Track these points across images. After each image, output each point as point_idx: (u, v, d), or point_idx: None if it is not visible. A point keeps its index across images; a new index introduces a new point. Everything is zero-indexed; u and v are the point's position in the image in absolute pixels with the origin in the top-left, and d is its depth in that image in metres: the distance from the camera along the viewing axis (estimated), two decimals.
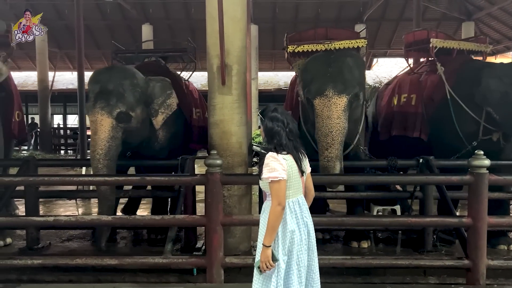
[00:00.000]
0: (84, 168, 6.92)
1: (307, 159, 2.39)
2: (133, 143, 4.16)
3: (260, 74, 15.95)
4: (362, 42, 4.54)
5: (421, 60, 6.00)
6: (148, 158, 4.58)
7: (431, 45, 4.89)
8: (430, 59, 5.26)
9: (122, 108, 3.86)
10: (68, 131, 17.48)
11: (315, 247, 2.41)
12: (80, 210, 6.46)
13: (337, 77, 3.87)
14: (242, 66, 4.14)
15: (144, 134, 4.26)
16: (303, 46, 4.60)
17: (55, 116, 18.88)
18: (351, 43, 4.55)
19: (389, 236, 4.77)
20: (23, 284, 3.27)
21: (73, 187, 5.06)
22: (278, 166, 2.15)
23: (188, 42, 6.00)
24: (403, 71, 5.75)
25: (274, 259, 2.19)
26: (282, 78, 18.33)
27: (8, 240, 4.46)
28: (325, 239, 4.62)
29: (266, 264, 2.16)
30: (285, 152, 2.22)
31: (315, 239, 2.41)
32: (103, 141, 3.72)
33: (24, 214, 4.51)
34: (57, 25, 15.66)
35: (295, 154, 2.26)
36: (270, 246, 2.17)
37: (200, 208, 4.84)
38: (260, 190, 4.19)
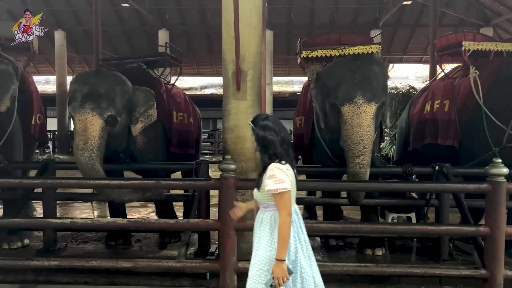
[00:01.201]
0: None
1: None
2: (111, 147, 4.13)
3: (274, 79, 16.00)
4: (376, 48, 4.53)
5: (455, 64, 5.80)
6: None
7: (463, 49, 4.69)
8: (464, 63, 5.01)
9: (112, 112, 3.91)
10: None
11: (313, 255, 2.39)
12: (96, 213, 6.54)
13: (366, 85, 3.81)
14: (257, 72, 4.16)
15: (122, 139, 4.30)
16: (317, 52, 4.60)
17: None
18: (365, 48, 4.53)
19: (404, 244, 4.72)
20: (40, 285, 3.33)
21: (89, 190, 5.17)
22: (285, 177, 2.12)
23: (167, 47, 6.00)
24: (438, 77, 5.61)
25: (290, 272, 2.15)
26: (296, 83, 18.36)
27: (26, 241, 4.55)
28: (339, 245, 4.59)
29: (283, 279, 2.11)
30: (284, 162, 2.18)
31: (310, 246, 2.40)
32: (95, 137, 3.75)
33: (41, 216, 4.59)
34: (76, 31, 16.04)
35: (291, 163, 2.24)
36: (285, 260, 2.13)
37: (214, 213, 4.86)
38: None
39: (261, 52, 4.23)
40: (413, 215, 4.84)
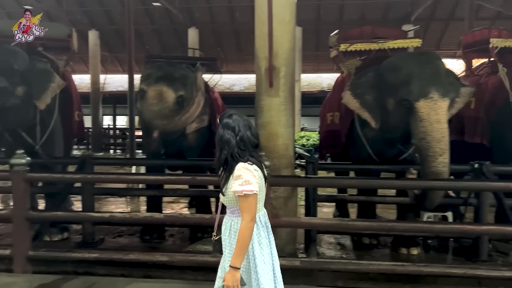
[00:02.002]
0: (134, 167, 7.20)
1: (265, 168, 2.16)
2: (170, 135, 4.33)
3: (303, 76, 15.90)
4: (417, 42, 4.42)
5: (481, 61, 5.72)
6: (175, 157, 4.75)
7: (491, 45, 4.61)
8: (491, 59, 4.99)
9: (183, 93, 4.14)
10: (117, 131, 18.25)
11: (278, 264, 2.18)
12: (129, 207, 6.73)
13: (438, 80, 3.67)
14: (289, 68, 4.15)
15: (179, 130, 4.44)
16: (356, 45, 4.52)
17: (105, 117, 19.79)
18: (406, 42, 4.44)
19: (440, 243, 4.61)
20: (81, 276, 3.45)
21: (124, 185, 5.32)
22: (252, 179, 1.93)
23: (217, 52, 6.08)
24: (462, 74, 5.51)
25: (242, 283, 1.95)
26: (325, 80, 18.14)
27: (65, 234, 4.72)
28: (372, 244, 4.53)
29: None
30: (251, 162, 1.99)
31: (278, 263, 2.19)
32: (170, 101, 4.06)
33: (80, 209, 4.74)
34: (108, 30, 16.44)
35: (259, 164, 2.03)
36: (239, 268, 1.93)
37: None
38: (307, 193, 4.24)
39: (293, 48, 4.22)
40: (449, 214, 4.71)
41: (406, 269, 3.20)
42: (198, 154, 4.88)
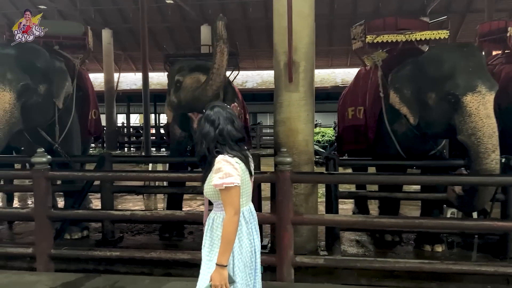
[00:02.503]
0: (150, 165, 7.20)
1: (252, 163, 2.07)
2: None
3: (316, 71, 15.77)
4: (444, 34, 4.32)
5: (495, 52, 5.69)
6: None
7: (508, 35, 4.60)
8: (506, 50, 4.93)
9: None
10: (131, 130, 18.38)
11: (260, 264, 2.09)
12: (147, 205, 6.73)
13: (484, 73, 3.57)
14: (309, 63, 4.07)
15: None
16: (383, 36, 4.43)
17: (118, 115, 19.94)
18: (433, 34, 4.33)
19: (464, 240, 4.50)
20: (103, 274, 3.44)
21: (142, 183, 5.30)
22: (233, 171, 1.84)
23: (236, 48, 6.03)
24: None
25: (231, 280, 1.87)
26: (338, 75, 17.98)
27: (85, 232, 4.73)
28: (395, 241, 4.45)
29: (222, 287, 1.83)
30: (232, 155, 1.90)
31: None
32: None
33: (98, 208, 4.75)
34: (121, 29, 16.50)
35: (241, 157, 1.93)
36: (226, 265, 1.84)
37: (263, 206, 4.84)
38: (329, 190, 4.17)
39: (313, 42, 4.14)
40: None
41: (434, 267, 3.11)
42: None
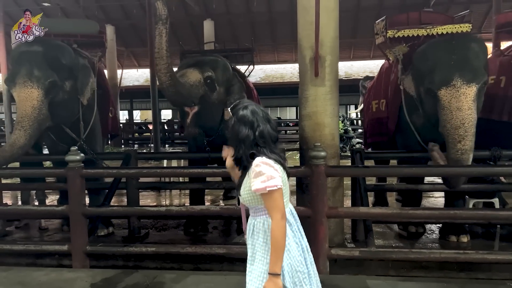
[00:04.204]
0: (165, 161, 7.23)
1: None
2: (207, 117, 4.40)
3: None
4: (466, 27, 4.32)
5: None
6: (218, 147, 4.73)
7: None
8: None
9: (210, 73, 4.30)
10: (135, 126, 18.36)
11: (313, 261, 1.99)
12: (168, 201, 6.77)
13: (465, 65, 3.64)
14: (334, 56, 4.08)
15: (216, 115, 4.51)
16: (404, 31, 4.44)
17: (121, 112, 19.93)
18: (455, 27, 4.34)
19: (487, 230, 4.55)
20: (140, 270, 3.47)
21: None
22: (274, 173, 1.73)
23: (250, 42, 6.05)
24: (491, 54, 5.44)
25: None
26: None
27: (110, 228, 4.76)
28: (419, 232, 4.50)
29: None
30: (269, 157, 1.78)
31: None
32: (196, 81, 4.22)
33: (125, 204, 4.77)
34: (124, 25, 16.41)
35: (279, 158, 1.81)
36: (280, 274, 1.73)
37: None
38: (357, 183, 4.20)
39: (338, 36, 4.15)
40: (496, 201, 4.66)
41: (470, 257, 3.15)
42: None
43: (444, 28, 4.23)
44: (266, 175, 1.71)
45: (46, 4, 13.89)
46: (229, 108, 1.89)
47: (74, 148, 3.52)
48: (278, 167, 1.77)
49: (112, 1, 15.03)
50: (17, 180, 5.75)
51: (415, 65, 4.04)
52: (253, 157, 1.77)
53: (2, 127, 12.15)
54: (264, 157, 1.75)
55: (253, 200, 1.81)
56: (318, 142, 4.01)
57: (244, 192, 1.82)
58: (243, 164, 1.81)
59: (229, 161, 1.93)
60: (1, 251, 3.82)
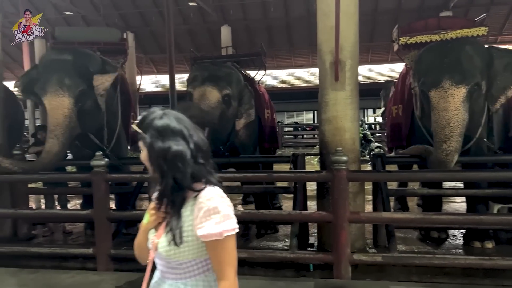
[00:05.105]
0: None
1: None
2: (220, 131, 4.43)
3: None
4: (482, 30, 4.27)
5: None
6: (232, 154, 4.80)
7: None
8: None
9: (228, 91, 4.26)
10: None
11: None
12: None
13: (455, 67, 3.73)
14: (354, 61, 4.08)
15: (228, 128, 4.52)
16: (416, 38, 4.44)
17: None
18: (470, 31, 4.29)
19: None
20: None
21: None
22: (230, 211, 1.27)
23: (261, 47, 6.08)
24: None
25: None
26: (378, 71, 17.86)
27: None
28: (441, 238, 4.42)
29: None
30: (213, 185, 1.31)
31: None
32: (212, 102, 4.15)
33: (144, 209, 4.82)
34: (143, 32, 16.71)
35: (218, 184, 1.33)
36: None
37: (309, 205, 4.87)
38: (379, 188, 4.17)
39: (358, 40, 4.15)
40: None
41: (495, 263, 3.10)
42: (252, 151, 4.91)
43: (459, 33, 4.20)
44: (223, 213, 1.23)
45: (68, 13, 14.25)
46: (135, 125, 1.33)
47: (99, 153, 3.60)
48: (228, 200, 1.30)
49: (131, 8, 15.33)
50: (40, 184, 5.90)
51: (415, 68, 4.15)
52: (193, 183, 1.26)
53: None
54: (215, 187, 1.28)
55: (191, 251, 1.28)
56: (339, 146, 4.02)
57: (184, 240, 1.27)
58: (177, 198, 1.27)
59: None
60: (28, 254, 3.93)
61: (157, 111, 1.32)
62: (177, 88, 14.96)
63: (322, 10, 4.09)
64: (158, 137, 1.26)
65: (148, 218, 1.36)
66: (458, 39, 4.21)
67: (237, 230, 1.28)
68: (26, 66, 13.40)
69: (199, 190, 1.27)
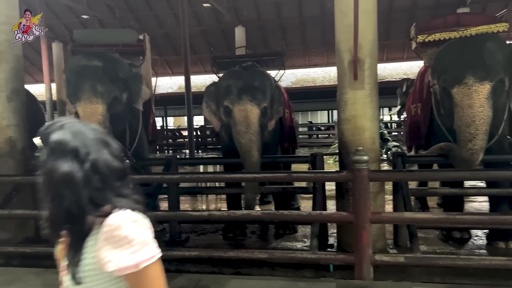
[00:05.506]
0: (201, 166, 7.34)
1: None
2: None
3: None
4: (503, 26, 4.17)
5: None
6: None
7: None
8: None
9: (266, 104, 4.20)
10: (169, 133, 18.71)
11: None
12: (202, 205, 6.87)
13: (478, 63, 3.67)
14: (373, 59, 4.04)
15: (263, 134, 4.42)
16: (435, 35, 4.36)
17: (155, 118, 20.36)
18: (490, 27, 4.20)
19: None
20: (184, 274, 3.53)
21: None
22: (147, 235, 1.08)
23: (281, 46, 6.07)
24: None
25: None
26: (393, 69, 17.70)
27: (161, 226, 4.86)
28: (464, 238, 4.35)
29: None
30: (127, 208, 1.09)
31: None
32: (255, 123, 4.08)
33: (166, 209, 4.86)
34: (158, 34, 16.85)
35: (140, 206, 1.13)
36: None
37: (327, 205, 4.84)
38: (399, 187, 4.12)
39: (376, 39, 4.11)
40: None
41: None
42: (274, 151, 4.89)
43: (478, 29, 4.11)
44: (136, 241, 1.04)
45: (85, 17, 14.47)
46: (38, 136, 1.16)
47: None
48: (147, 222, 1.10)
49: (146, 11, 15.49)
50: None
51: (435, 65, 4.09)
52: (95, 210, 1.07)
53: None
54: (126, 211, 1.07)
55: (101, 283, 1.08)
56: (358, 146, 3.97)
57: (87, 276, 1.07)
58: (74, 228, 1.08)
59: None
60: (52, 254, 3.97)
61: (58, 122, 1.12)
62: (192, 89, 15.10)
63: (340, 8, 4.06)
64: (49, 154, 1.08)
65: (59, 246, 1.17)
66: (479, 36, 4.13)
67: (159, 255, 1.08)
68: (45, 69, 13.66)
69: (105, 216, 1.06)
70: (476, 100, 3.58)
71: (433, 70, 4.15)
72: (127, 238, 1.03)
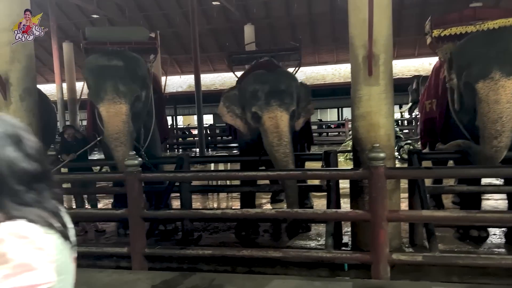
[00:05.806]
0: (212, 164, 7.32)
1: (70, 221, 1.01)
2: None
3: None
4: None
5: None
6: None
7: None
8: None
9: (293, 107, 4.11)
10: (179, 132, 18.73)
11: None
12: (213, 204, 6.84)
13: (505, 58, 3.55)
14: (388, 55, 3.97)
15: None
16: (451, 29, 4.27)
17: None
18: (508, 21, 4.09)
19: None
20: (198, 273, 3.50)
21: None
22: (36, 256, 0.84)
23: (295, 42, 6.00)
24: None
25: None
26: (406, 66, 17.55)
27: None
28: (481, 236, 4.25)
29: None
30: (26, 220, 0.87)
31: None
32: (286, 133, 3.95)
33: (178, 207, 4.84)
34: (167, 33, 16.86)
35: (47, 218, 0.90)
36: None
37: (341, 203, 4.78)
38: (416, 185, 4.04)
39: (391, 34, 4.03)
40: None
41: None
42: (298, 149, 4.80)
43: (496, 23, 4.01)
44: (17, 263, 0.82)
45: (95, 16, 14.53)
46: None
47: (132, 152, 3.62)
48: (47, 241, 0.87)
49: (156, 10, 15.51)
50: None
51: (455, 60, 3.98)
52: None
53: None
54: (15, 222, 0.86)
55: None
56: (373, 143, 3.90)
57: None
58: None
59: None
60: None
61: None
62: (202, 88, 15.13)
63: (354, 3, 3.99)
64: None
65: None
66: (502, 29, 4.02)
67: (50, 283, 0.84)
68: (56, 69, 13.75)
69: None
70: (503, 96, 3.47)
71: (451, 65, 4.05)
72: (4, 257, 0.82)
